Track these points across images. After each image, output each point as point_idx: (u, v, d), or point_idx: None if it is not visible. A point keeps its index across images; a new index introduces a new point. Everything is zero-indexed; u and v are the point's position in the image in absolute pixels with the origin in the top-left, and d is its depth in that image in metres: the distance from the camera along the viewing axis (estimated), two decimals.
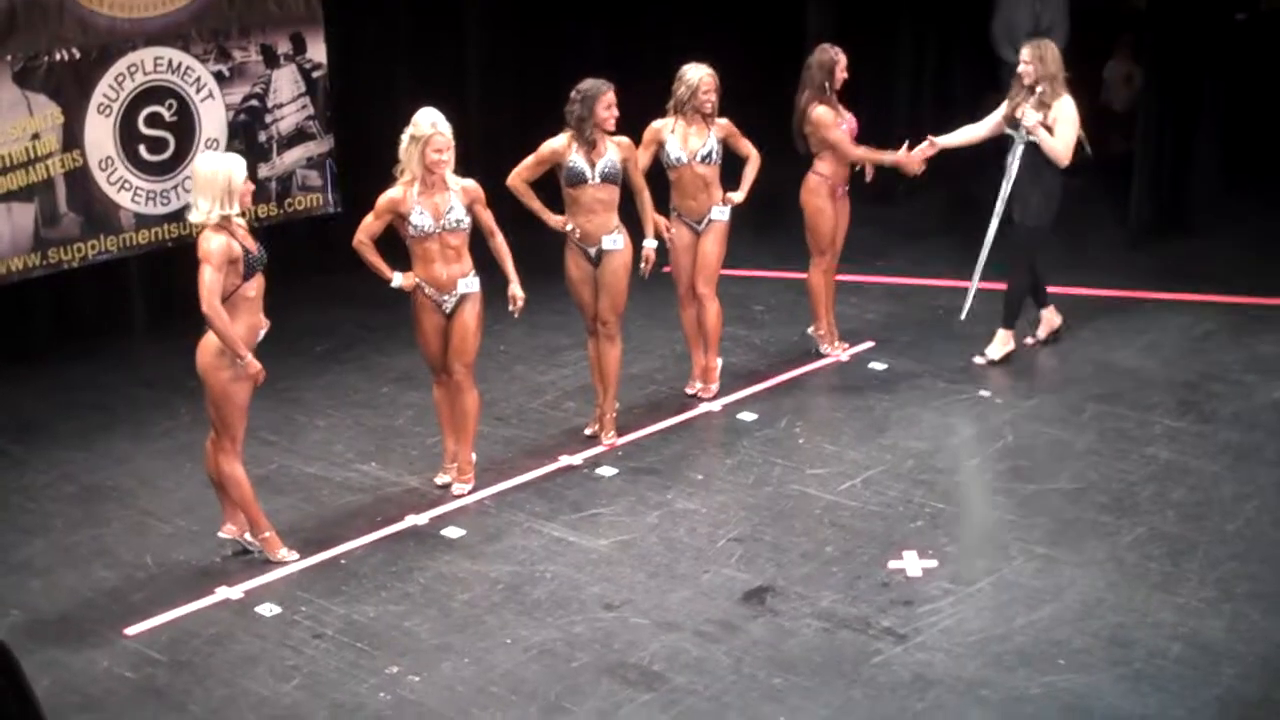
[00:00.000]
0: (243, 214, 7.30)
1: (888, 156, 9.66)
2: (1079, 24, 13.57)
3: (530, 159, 8.55)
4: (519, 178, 8.57)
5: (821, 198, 9.61)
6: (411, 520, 8.02)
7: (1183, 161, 12.16)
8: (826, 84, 9.45)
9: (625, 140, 8.56)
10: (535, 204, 8.60)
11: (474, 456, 8.35)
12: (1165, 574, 7.30)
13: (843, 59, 9.46)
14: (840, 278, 10.01)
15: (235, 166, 7.22)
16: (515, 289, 8.14)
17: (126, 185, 10.25)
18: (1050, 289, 10.21)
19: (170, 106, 10.39)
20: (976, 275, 9.98)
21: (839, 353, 9.94)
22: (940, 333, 10.35)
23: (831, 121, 9.45)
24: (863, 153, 9.55)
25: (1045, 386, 9.45)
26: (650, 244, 8.72)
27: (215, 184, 7.16)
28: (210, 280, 7.11)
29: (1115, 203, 12.60)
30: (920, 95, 13.47)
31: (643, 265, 8.71)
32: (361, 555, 7.71)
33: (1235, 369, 9.60)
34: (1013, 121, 9.49)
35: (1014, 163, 9.58)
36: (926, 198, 13.23)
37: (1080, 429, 8.85)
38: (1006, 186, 9.65)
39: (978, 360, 9.82)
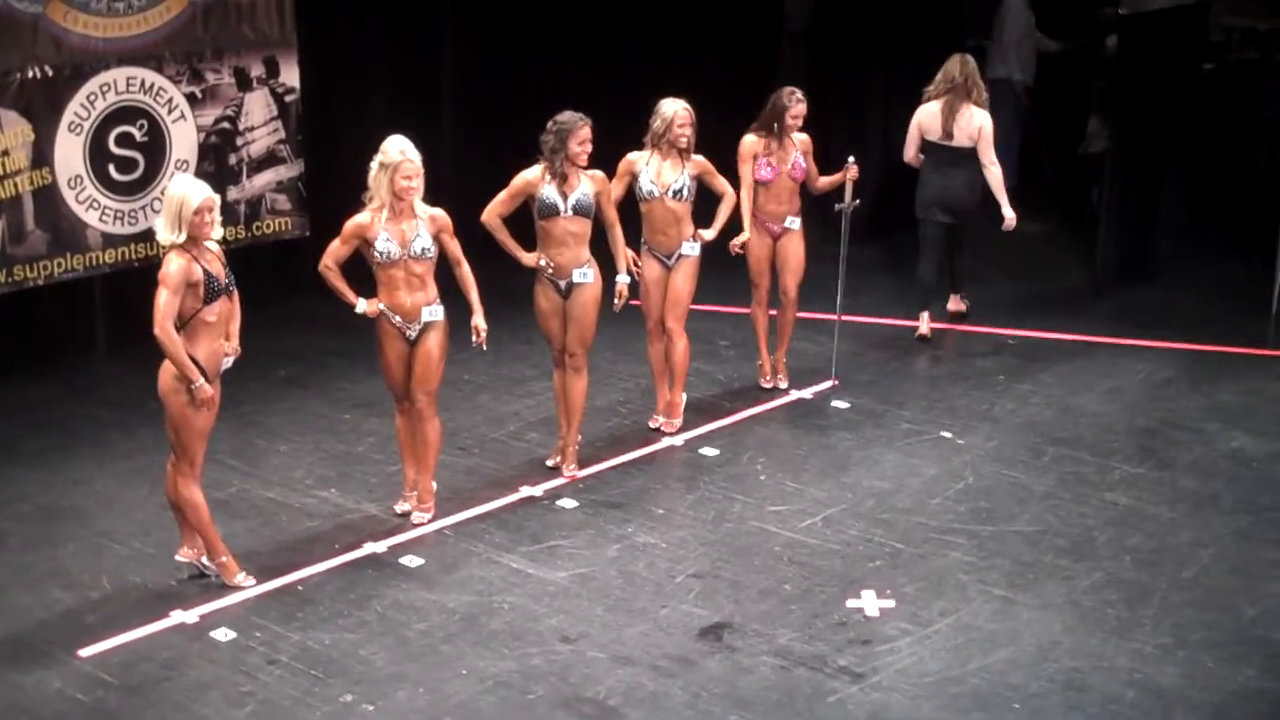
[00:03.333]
0: (199, 242, 7.23)
1: (732, 238, 9.57)
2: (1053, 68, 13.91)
3: (504, 193, 8.56)
4: (493, 214, 8.57)
5: (752, 230, 9.68)
6: (370, 548, 7.99)
7: (1148, 209, 12.25)
8: (775, 125, 9.55)
9: (599, 174, 8.58)
10: (509, 241, 8.59)
11: (434, 485, 8.34)
12: (1121, 619, 7.34)
13: (796, 107, 9.53)
14: (804, 315, 10.05)
15: (193, 194, 7.16)
16: (478, 320, 8.13)
17: (95, 204, 10.23)
18: (1014, 332, 10.40)
19: (141, 127, 10.38)
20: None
21: (780, 383, 10.01)
22: (903, 372, 10.41)
23: (744, 152, 9.58)
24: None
25: (1006, 429, 9.48)
26: (623, 279, 8.74)
27: (170, 207, 7.17)
28: (164, 303, 7.10)
29: (1080, 249, 12.72)
30: (891, 133, 13.54)
31: (616, 300, 8.72)
32: (318, 582, 7.68)
33: (1195, 416, 9.66)
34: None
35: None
36: (892, 237, 13.32)
37: (1040, 472, 8.89)
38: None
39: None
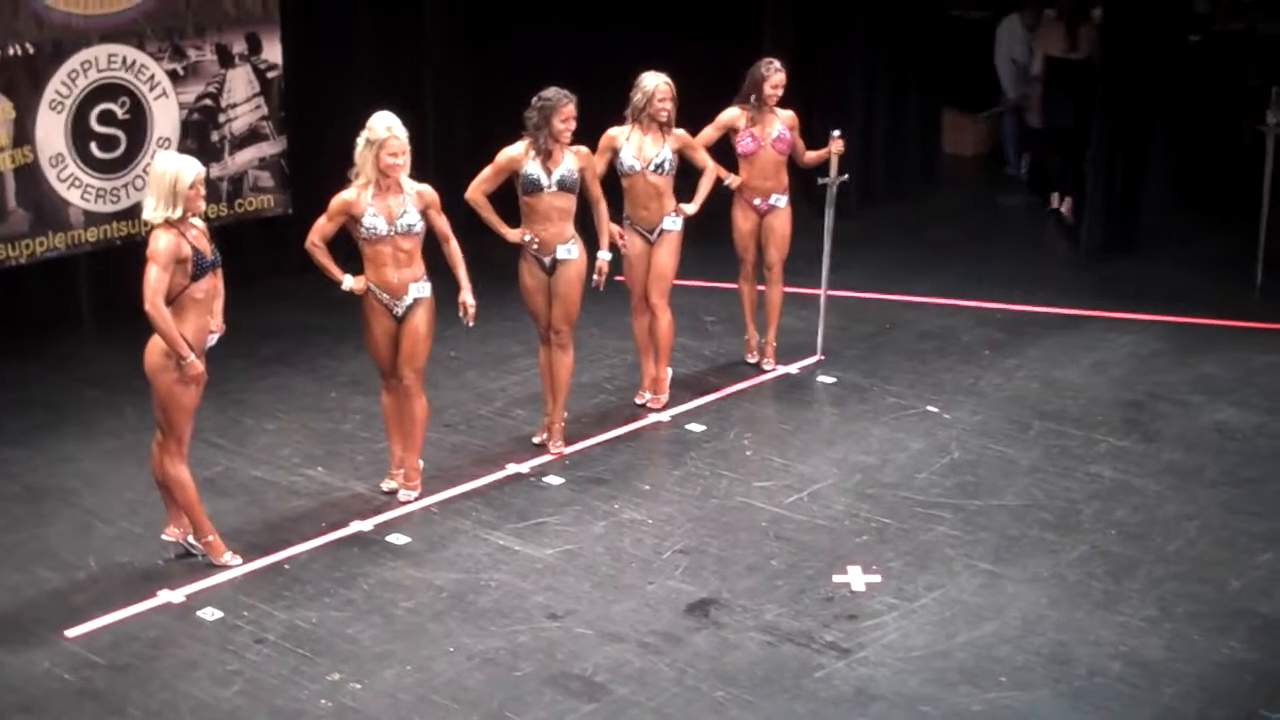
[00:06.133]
0: (192, 216, 7.24)
1: (715, 212, 9.61)
2: None
3: (488, 170, 8.53)
4: (478, 190, 8.54)
5: (735, 206, 9.73)
6: (357, 526, 7.99)
7: (1133, 182, 12.25)
8: (754, 96, 9.52)
9: (584, 149, 8.55)
10: (493, 218, 8.57)
11: (421, 463, 8.33)
12: (1107, 592, 7.36)
13: (774, 76, 9.49)
14: (789, 290, 10.03)
15: (185, 169, 7.15)
16: (466, 296, 8.11)
17: (77, 182, 10.20)
18: (1000, 305, 10.81)
19: (123, 104, 10.35)
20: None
21: (765, 364, 9.97)
22: (889, 347, 10.41)
23: (720, 118, 9.55)
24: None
25: (992, 403, 9.50)
26: (604, 255, 8.72)
27: (162, 184, 7.13)
28: (155, 280, 7.07)
29: (1066, 222, 12.74)
30: (874, 106, 13.54)
31: (596, 277, 8.71)
32: (305, 560, 7.68)
33: (1180, 389, 9.68)
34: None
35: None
36: (879, 212, 13.33)
37: (1026, 446, 8.90)
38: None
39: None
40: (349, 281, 7.99)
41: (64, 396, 9.64)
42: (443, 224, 8.04)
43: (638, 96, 9.03)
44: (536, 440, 8.91)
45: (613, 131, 9.11)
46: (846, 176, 9.92)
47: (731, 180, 9.60)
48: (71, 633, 7.03)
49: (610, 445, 8.95)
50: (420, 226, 7.94)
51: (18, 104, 9.86)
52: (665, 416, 9.31)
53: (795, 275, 10.13)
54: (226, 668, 6.77)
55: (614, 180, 9.12)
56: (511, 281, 8.76)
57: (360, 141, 7.84)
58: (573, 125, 8.38)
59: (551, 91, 8.39)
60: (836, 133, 9.76)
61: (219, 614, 7.18)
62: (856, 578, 7.48)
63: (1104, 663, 6.78)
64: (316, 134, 10.91)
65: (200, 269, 7.21)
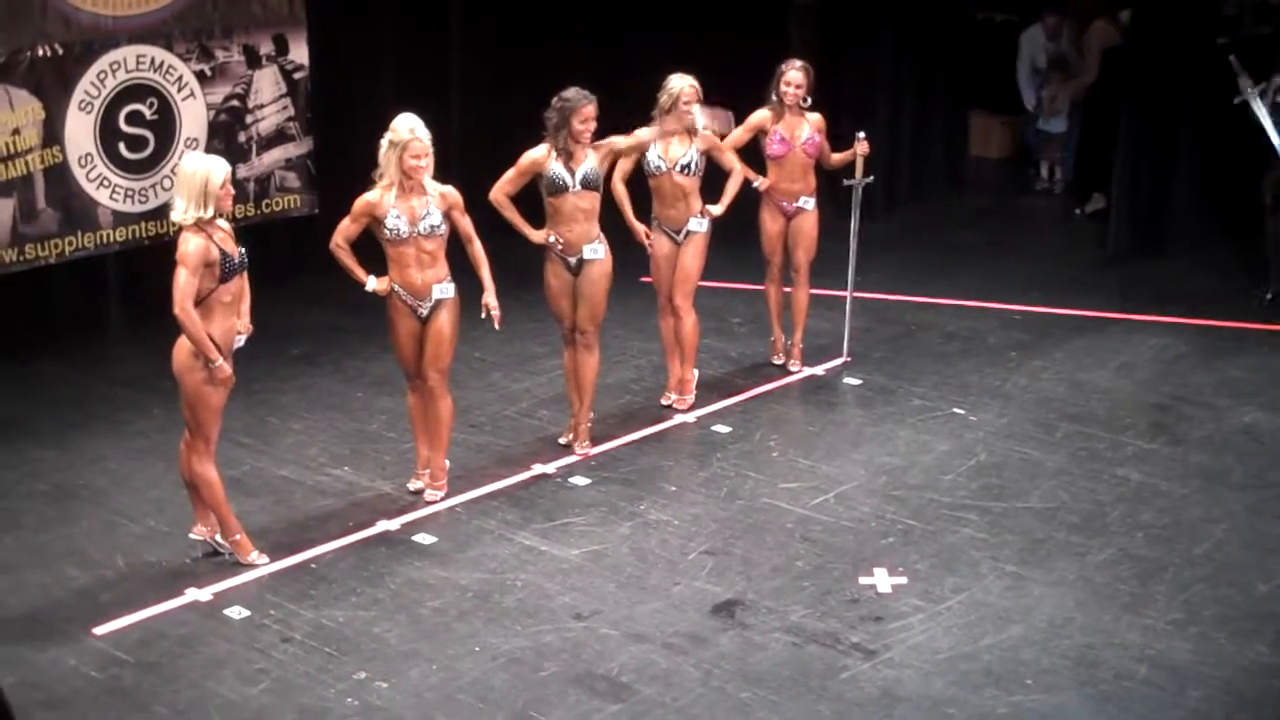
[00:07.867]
0: (222, 215, 7.29)
1: (743, 214, 9.60)
2: None
3: (511, 171, 8.54)
4: (501, 191, 8.54)
5: (763, 208, 9.72)
6: (383, 526, 8.01)
7: (1160, 185, 12.21)
8: (775, 95, 9.52)
9: (602, 144, 8.53)
10: (517, 219, 8.58)
11: (447, 463, 8.35)
12: (1133, 595, 7.34)
13: (788, 74, 9.46)
14: (816, 291, 10.01)
15: (215, 169, 7.19)
16: (489, 298, 8.11)
17: (105, 182, 10.24)
18: (1026, 308, 10.79)
19: (151, 105, 10.39)
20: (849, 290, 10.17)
21: (792, 365, 9.96)
22: (915, 349, 10.40)
23: (750, 119, 9.54)
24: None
25: (1018, 405, 9.48)
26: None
27: (193, 184, 7.15)
28: (184, 283, 7.10)
29: (1092, 225, 12.70)
30: (900, 108, 13.52)
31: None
32: (332, 560, 7.70)
33: (1206, 392, 9.65)
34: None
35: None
36: (904, 214, 13.32)
37: (1052, 448, 8.89)
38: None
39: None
40: (373, 282, 8.02)
41: (92, 396, 9.68)
42: (466, 225, 8.05)
43: (664, 98, 9.04)
44: (562, 441, 8.92)
45: (640, 132, 9.11)
46: (872, 178, 9.92)
47: (760, 182, 9.60)
48: (99, 630, 7.07)
49: (636, 446, 8.95)
50: (443, 228, 7.96)
51: (47, 104, 9.90)
52: (691, 417, 9.32)
53: (821, 277, 10.12)
54: (253, 666, 6.80)
55: (641, 180, 9.14)
56: (535, 282, 8.77)
57: (384, 143, 7.86)
58: (592, 126, 8.38)
59: (571, 92, 8.40)
60: (861, 134, 9.75)
61: (246, 612, 7.21)
62: (882, 579, 7.48)
63: (1130, 666, 6.77)
64: (343, 135, 10.93)
65: (228, 271, 7.23)
